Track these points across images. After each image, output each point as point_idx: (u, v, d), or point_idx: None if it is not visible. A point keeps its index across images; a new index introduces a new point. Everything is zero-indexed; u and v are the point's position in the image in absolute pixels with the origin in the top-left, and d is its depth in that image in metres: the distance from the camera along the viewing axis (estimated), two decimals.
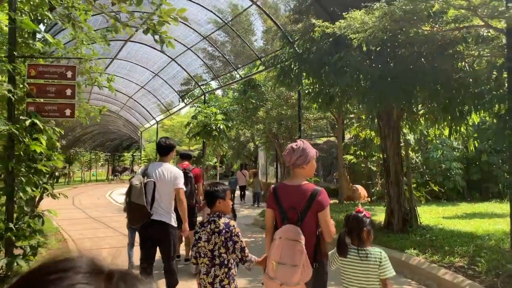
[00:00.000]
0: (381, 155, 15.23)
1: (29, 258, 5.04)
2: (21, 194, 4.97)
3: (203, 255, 3.11)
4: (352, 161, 16.90)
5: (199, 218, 6.33)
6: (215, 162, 33.04)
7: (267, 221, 3.19)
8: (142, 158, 21.19)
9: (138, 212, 4.51)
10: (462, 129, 8.80)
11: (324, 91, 9.16)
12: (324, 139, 24.18)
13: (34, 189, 5.14)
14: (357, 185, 15.47)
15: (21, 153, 5.17)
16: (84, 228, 11.39)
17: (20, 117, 5.23)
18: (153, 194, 4.54)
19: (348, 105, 9.47)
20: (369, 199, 15.18)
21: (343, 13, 6.57)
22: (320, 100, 9.70)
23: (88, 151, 41.81)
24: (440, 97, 7.95)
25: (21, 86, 5.47)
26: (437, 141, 14.79)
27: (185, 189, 4.90)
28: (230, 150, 27.78)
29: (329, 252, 3.09)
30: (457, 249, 6.46)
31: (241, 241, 3.09)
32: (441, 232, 7.85)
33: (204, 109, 14.56)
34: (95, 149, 43.49)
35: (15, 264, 4.88)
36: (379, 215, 10.18)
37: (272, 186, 3.23)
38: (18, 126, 5.03)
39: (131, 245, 6.51)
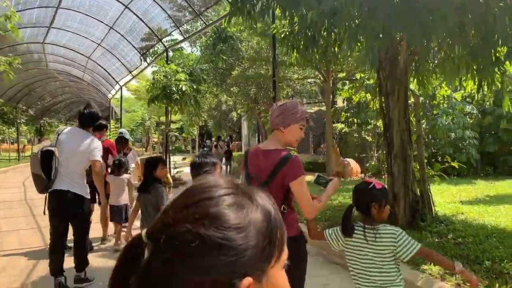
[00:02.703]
0: (378, 123, 12.80)
1: None
2: None
3: None
4: (343, 131, 14.40)
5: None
6: (202, 135, 30.42)
7: None
8: (112, 131, 18.53)
9: (36, 181, 4.31)
10: (497, 82, 6.27)
11: (304, 29, 6.56)
12: (316, 108, 22.40)
13: None
14: (348, 159, 12.98)
15: None
16: None
17: None
18: (55, 162, 4.22)
19: (336, 49, 6.86)
20: (362, 175, 12.75)
21: None
22: (300, 46, 7.13)
23: (64, 122, 38.92)
24: (467, 35, 5.49)
25: None
26: (446, 104, 12.24)
27: (101, 161, 4.59)
28: (210, 120, 25.09)
29: (328, 230, 2.61)
30: (506, 265, 4.00)
31: None
32: (468, 229, 5.39)
33: (163, 67, 11.84)
34: (72, 120, 40.59)
35: None
36: None
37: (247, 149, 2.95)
38: None
39: None
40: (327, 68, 11.32)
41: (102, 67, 18.54)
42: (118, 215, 6.11)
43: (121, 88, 19.20)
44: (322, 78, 12.52)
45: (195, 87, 12.06)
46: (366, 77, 11.15)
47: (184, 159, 26.35)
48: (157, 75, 11.68)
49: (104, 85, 21.80)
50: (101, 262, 5.50)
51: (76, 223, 4.41)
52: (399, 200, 6.05)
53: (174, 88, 11.50)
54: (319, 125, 19.80)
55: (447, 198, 7.89)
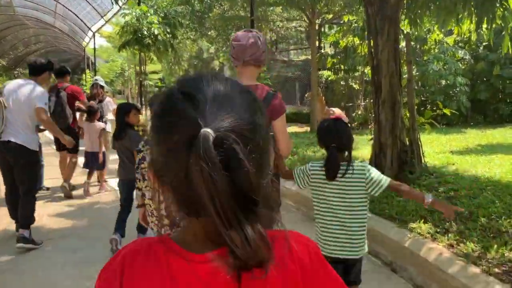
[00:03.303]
0: (366, 69, 12.08)
1: None
2: None
3: (147, 178, 2.64)
4: (329, 78, 13.70)
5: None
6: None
7: None
8: (88, 81, 17.54)
9: None
10: (497, 19, 5.61)
11: None
12: (304, 57, 21.58)
13: None
14: (334, 108, 12.37)
15: None
16: None
17: None
18: (1, 112, 4.13)
19: None
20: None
21: None
22: None
23: None
24: None
25: None
26: (437, 49, 11.55)
27: (45, 108, 4.39)
28: (191, 69, 24.07)
29: (296, 170, 2.48)
30: (504, 222, 3.55)
31: None
32: (460, 181, 4.92)
33: (133, 9, 10.85)
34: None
35: None
36: (361, 150, 7.25)
37: None
38: None
39: None
40: (312, 9, 10.46)
41: (72, 12, 17.23)
42: (92, 161, 6.13)
43: (94, 35, 17.97)
44: (307, 21, 11.65)
45: (169, 31, 11.15)
46: (354, 20, 10.37)
47: None
48: (128, 18, 10.72)
49: (78, 33, 20.48)
50: (55, 222, 4.96)
51: (18, 175, 4.25)
52: (386, 150, 5.54)
53: (146, 32, 10.60)
54: (306, 74, 19.07)
55: (437, 148, 7.42)
